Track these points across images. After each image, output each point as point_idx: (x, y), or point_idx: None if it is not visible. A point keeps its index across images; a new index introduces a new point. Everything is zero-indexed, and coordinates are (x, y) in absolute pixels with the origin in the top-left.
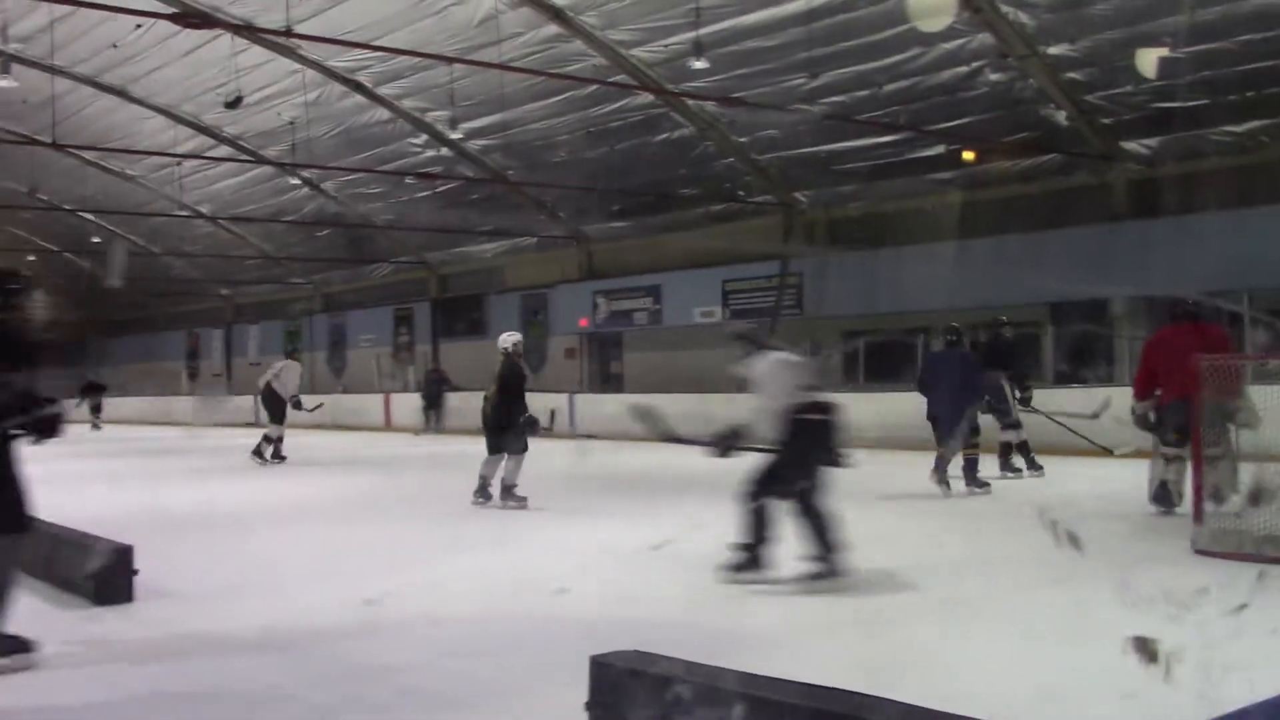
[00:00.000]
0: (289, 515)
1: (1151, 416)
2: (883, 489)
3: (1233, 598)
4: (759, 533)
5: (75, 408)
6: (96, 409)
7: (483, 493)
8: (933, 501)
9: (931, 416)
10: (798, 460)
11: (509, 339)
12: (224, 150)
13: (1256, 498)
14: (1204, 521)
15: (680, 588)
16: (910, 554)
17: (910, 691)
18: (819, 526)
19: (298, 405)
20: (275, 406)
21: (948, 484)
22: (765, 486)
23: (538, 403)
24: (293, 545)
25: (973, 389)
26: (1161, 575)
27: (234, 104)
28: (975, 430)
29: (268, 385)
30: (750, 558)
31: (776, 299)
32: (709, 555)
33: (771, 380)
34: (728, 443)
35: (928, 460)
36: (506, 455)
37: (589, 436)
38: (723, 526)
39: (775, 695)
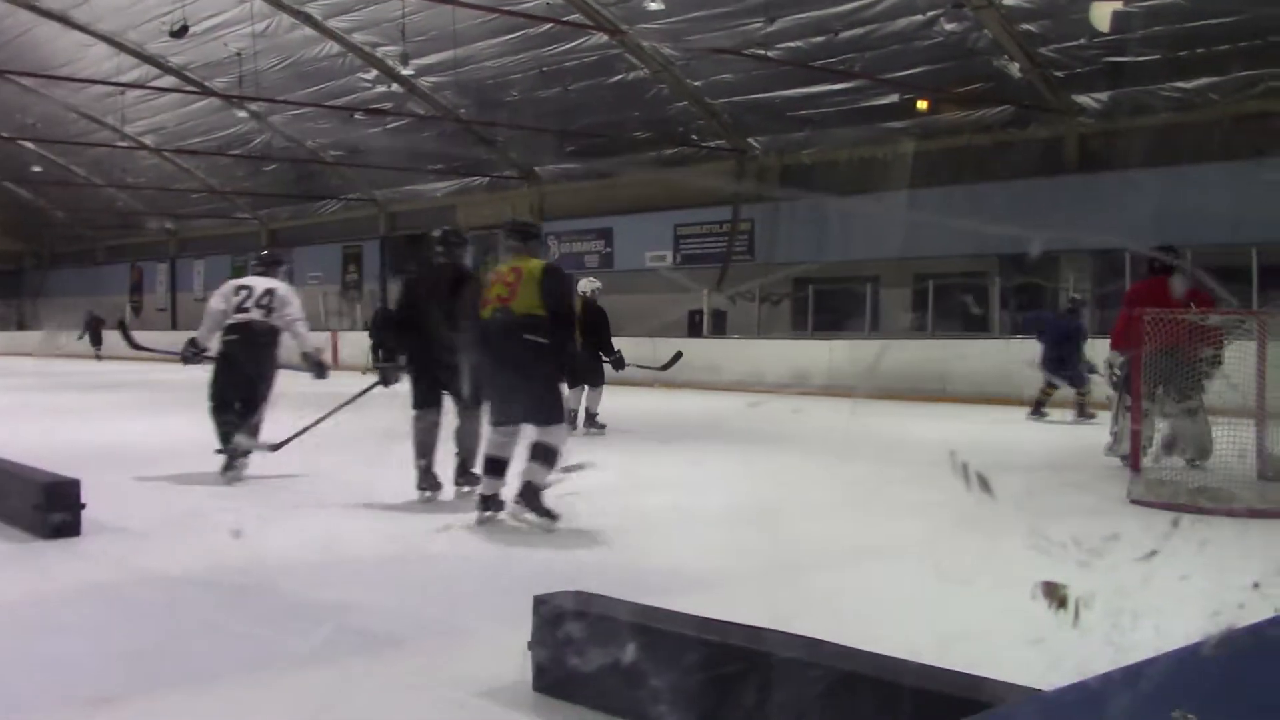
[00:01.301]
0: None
1: (1117, 371)
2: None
3: (1144, 545)
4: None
5: (78, 339)
6: (97, 340)
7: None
8: (855, 448)
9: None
10: None
11: (589, 284)
12: (169, 80)
13: (1170, 446)
14: (1141, 472)
15: (620, 530)
16: (825, 498)
17: (818, 633)
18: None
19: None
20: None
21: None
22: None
23: None
24: (243, 482)
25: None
26: (1073, 522)
27: (179, 33)
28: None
29: None
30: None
31: (728, 244)
32: (648, 499)
33: None
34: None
35: (869, 407)
36: (587, 388)
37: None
38: (663, 468)
39: (709, 635)
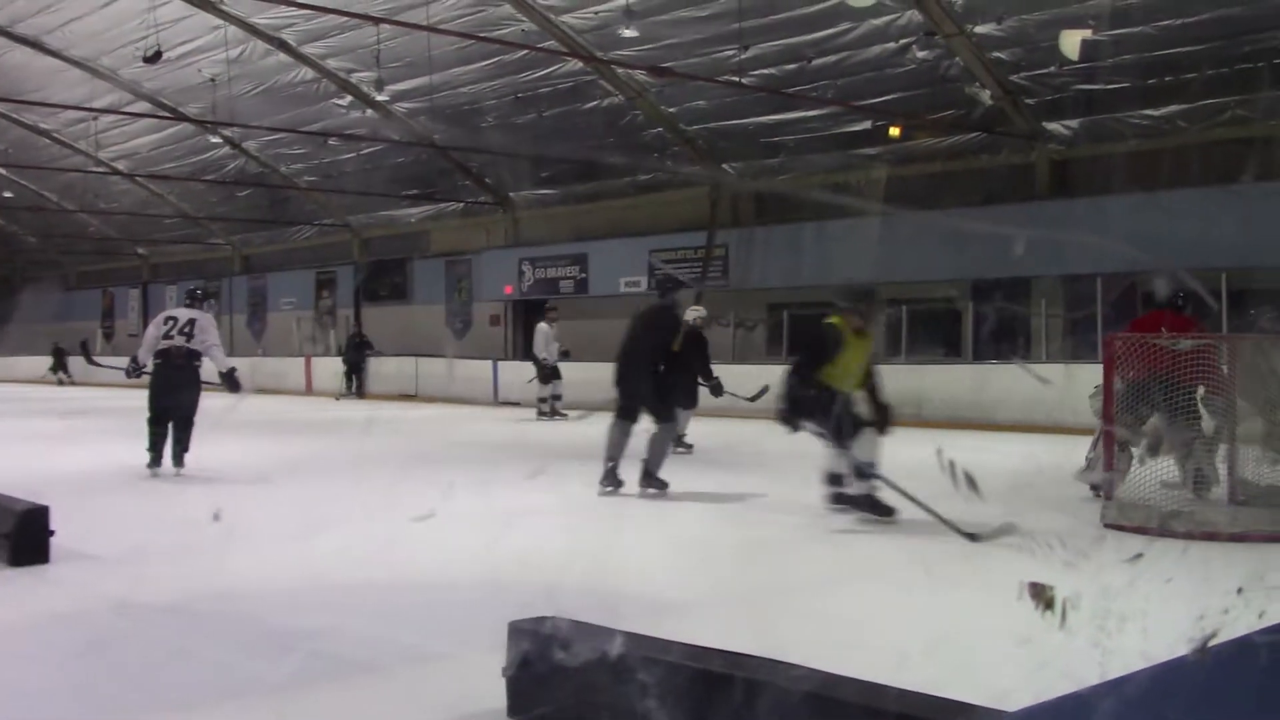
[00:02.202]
0: (208, 478)
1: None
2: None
3: (1130, 546)
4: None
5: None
6: (62, 367)
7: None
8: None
9: None
10: None
11: (694, 312)
12: (142, 106)
13: (1155, 448)
14: (1113, 496)
15: (600, 554)
16: (804, 516)
17: (804, 639)
18: None
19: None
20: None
21: None
22: None
23: (465, 370)
24: (211, 509)
25: None
26: (1059, 523)
27: (153, 58)
28: None
29: None
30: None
31: (702, 270)
32: (627, 522)
33: None
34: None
35: None
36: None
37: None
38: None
39: (687, 660)
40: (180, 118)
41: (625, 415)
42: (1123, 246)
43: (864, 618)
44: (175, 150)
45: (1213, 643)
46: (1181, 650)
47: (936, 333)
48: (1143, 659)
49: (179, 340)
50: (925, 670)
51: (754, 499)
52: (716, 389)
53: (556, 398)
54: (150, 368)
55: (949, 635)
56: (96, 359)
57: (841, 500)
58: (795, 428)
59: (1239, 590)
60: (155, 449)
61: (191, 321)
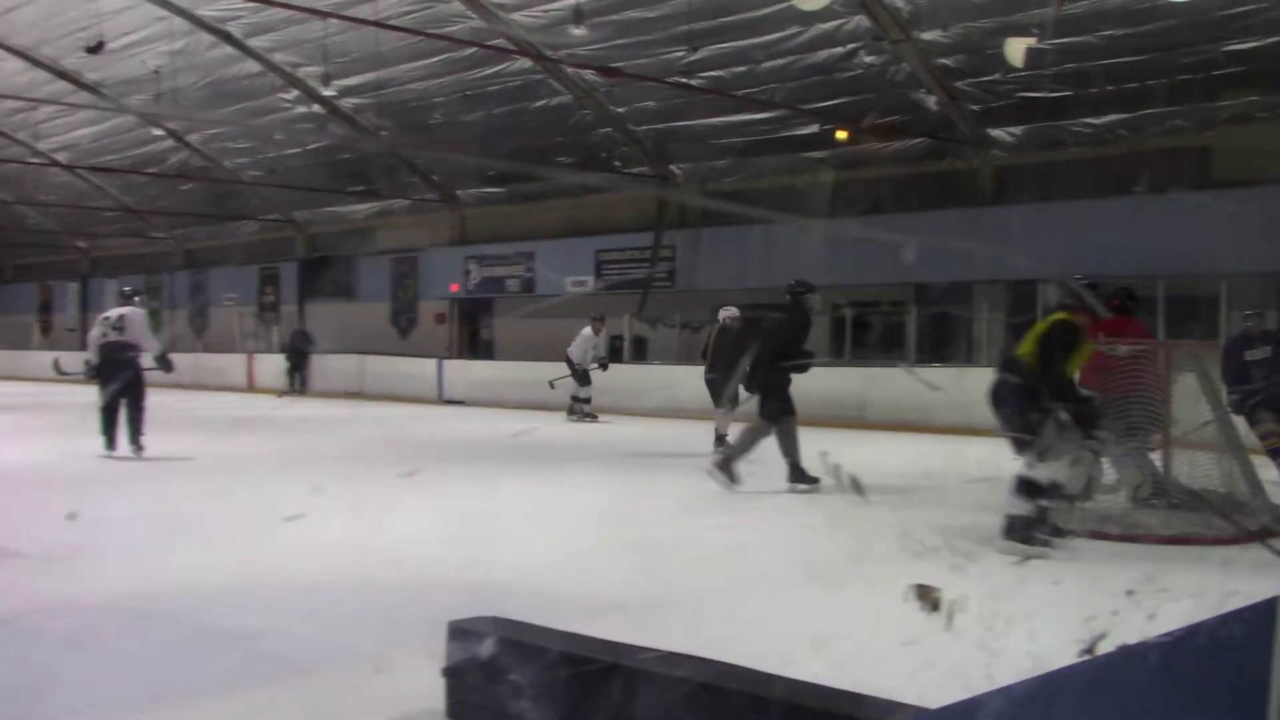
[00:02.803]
0: (144, 475)
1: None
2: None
3: (1018, 549)
4: None
5: None
6: None
7: (720, 441)
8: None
9: None
10: None
11: (726, 313)
12: (84, 97)
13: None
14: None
15: (540, 554)
16: (721, 518)
17: (686, 637)
18: None
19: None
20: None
21: None
22: None
23: (410, 368)
24: (146, 506)
25: None
26: (946, 526)
27: (96, 49)
28: None
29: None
30: None
31: (649, 271)
32: (566, 522)
33: None
34: None
35: None
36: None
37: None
38: (583, 493)
39: (622, 659)
40: (123, 109)
41: (763, 415)
42: (1017, 255)
43: (748, 617)
44: (117, 142)
45: (1101, 644)
46: (1069, 651)
47: (881, 335)
48: (1030, 660)
49: (113, 335)
50: (810, 668)
51: (656, 497)
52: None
53: (585, 400)
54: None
55: (834, 634)
56: (65, 370)
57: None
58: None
59: (1128, 592)
60: (105, 433)
61: (122, 317)
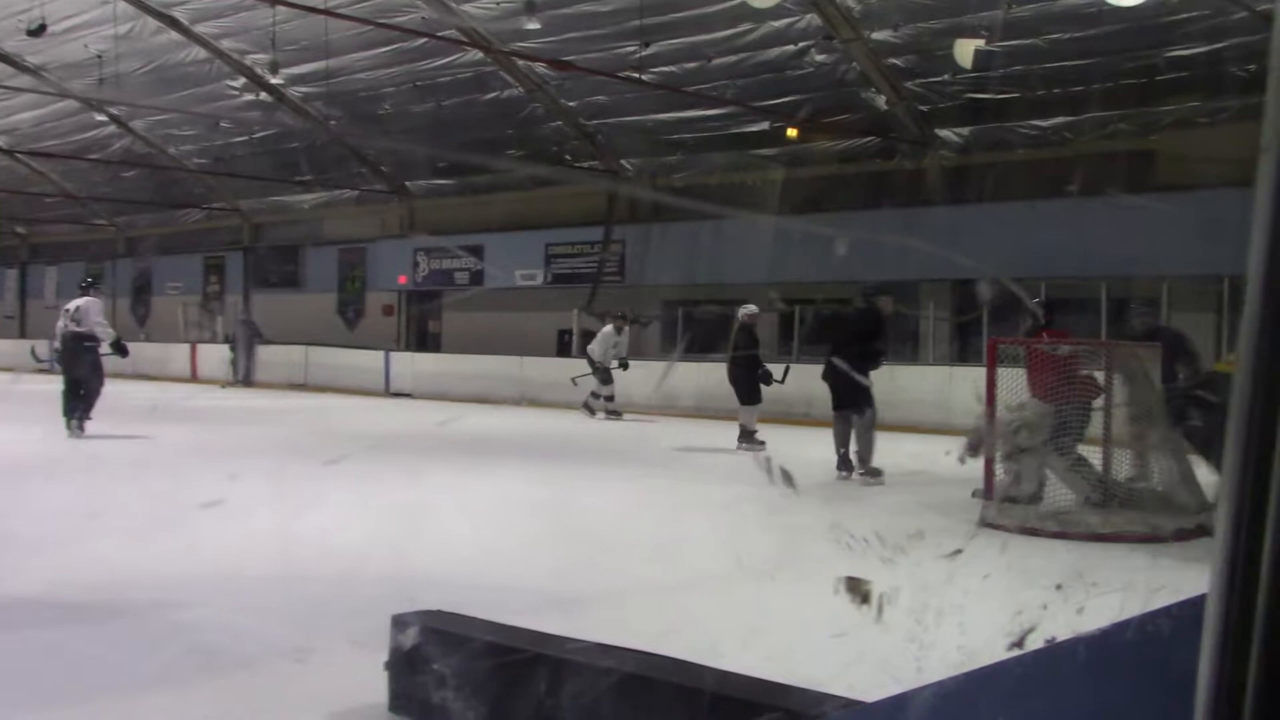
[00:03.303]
0: (81, 466)
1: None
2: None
3: (949, 543)
4: None
5: None
6: None
7: (744, 438)
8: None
9: None
10: None
11: (745, 310)
12: (25, 80)
13: (975, 449)
14: (994, 496)
15: (472, 547)
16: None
17: (613, 627)
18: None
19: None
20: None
21: None
22: None
23: (356, 360)
24: (90, 497)
25: None
26: (877, 520)
27: (37, 32)
28: None
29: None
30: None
31: (598, 266)
32: (501, 514)
33: None
34: None
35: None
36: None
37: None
38: (518, 486)
39: (568, 653)
40: (65, 94)
41: (839, 407)
42: (957, 256)
43: (679, 609)
44: (58, 127)
45: (1030, 638)
46: (998, 645)
47: (825, 334)
48: (960, 653)
49: (71, 326)
50: (741, 660)
51: (592, 491)
52: (766, 377)
53: (609, 398)
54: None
55: (763, 627)
56: (40, 358)
57: None
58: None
59: (1058, 586)
60: (67, 414)
61: (79, 308)
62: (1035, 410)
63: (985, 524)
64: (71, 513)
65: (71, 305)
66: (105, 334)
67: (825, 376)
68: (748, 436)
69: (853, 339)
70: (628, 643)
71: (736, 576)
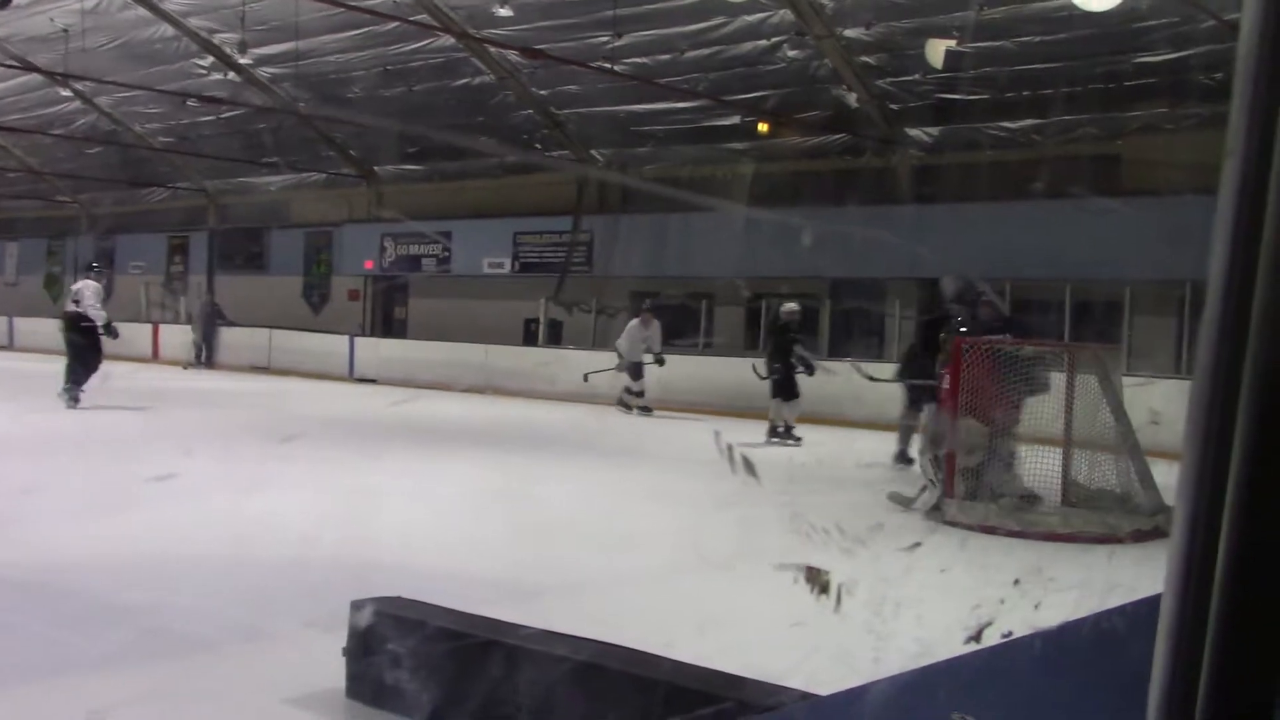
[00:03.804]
0: (39, 447)
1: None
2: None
3: (907, 536)
4: None
5: None
6: None
7: (772, 433)
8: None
9: None
10: None
11: (785, 308)
12: None
13: (936, 442)
14: (954, 494)
15: (440, 535)
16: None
17: (566, 616)
18: None
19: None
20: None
21: None
22: None
23: (321, 344)
24: (47, 477)
25: None
26: (838, 511)
27: (2, 4)
28: None
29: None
30: None
31: (567, 255)
32: (475, 504)
33: None
34: None
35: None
36: (781, 401)
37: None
38: (476, 473)
39: (524, 642)
40: (29, 68)
41: (911, 405)
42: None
43: (634, 598)
44: (22, 101)
45: (987, 632)
46: (956, 638)
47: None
48: (917, 645)
49: (72, 306)
50: (696, 650)
51: (550, 480)
52: (808, 368)
53: (639, 393)
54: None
55: (719, 616)
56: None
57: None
58: None
59: (1016, 582)
60: (66, 385)
61: (79, 289)
62: (972, 431)
63: (946, 521)
64: (22, 492)
65: (76, 285)
66: (97, 315)
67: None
68: (786, 432)
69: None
70: (581, 632)
71: (694, 566)
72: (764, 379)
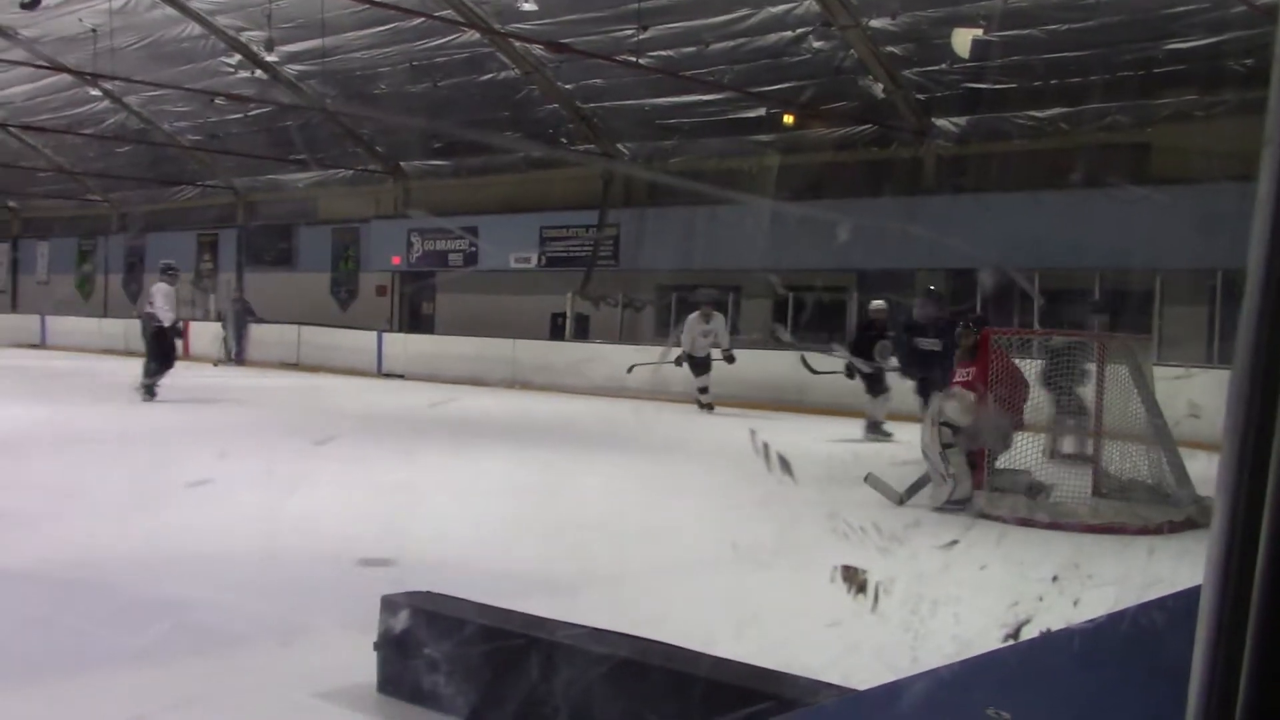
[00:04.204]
0: (75, 443)
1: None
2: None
3: (945, 534)
4: None
5: None
6: None
7: (872, 429)
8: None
9: None
10: None
11: (874, 306)
12: (18, 53)
13: (972, 437)
14: (985, 486)
15: (475, 531)
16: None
17: (606, 616)
18: None
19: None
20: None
21: None
22: None
23: (349, 340)
24: (80, 474)
25: None
26: (874, 509)
27: (31, 5)
28: None
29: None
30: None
31: (593, 250)
32: (508, 498)
33: None
34: None
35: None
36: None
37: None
38: (512, 469)
39: (560, 638)
40: (58, 68)
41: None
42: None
43: (673, 596)
44: (52, 101)
45: (1025, 629)
46: (993, 635)
47: (822, 321)
48: (954, 643)
49: (146, 306)
50: (735, 648)
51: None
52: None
53: (702, 389)
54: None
55: (758, 615)
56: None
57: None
58: None
59: (1054, 578)
60: (145, 380)
61: (152, 291)
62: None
63: (977, 514)
64: (59, 490)
65: (151, 288)
66: (164, 316)
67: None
68: (874, 428)
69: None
70: (616, 628)
71: (730, 563)
72: (851, 378)
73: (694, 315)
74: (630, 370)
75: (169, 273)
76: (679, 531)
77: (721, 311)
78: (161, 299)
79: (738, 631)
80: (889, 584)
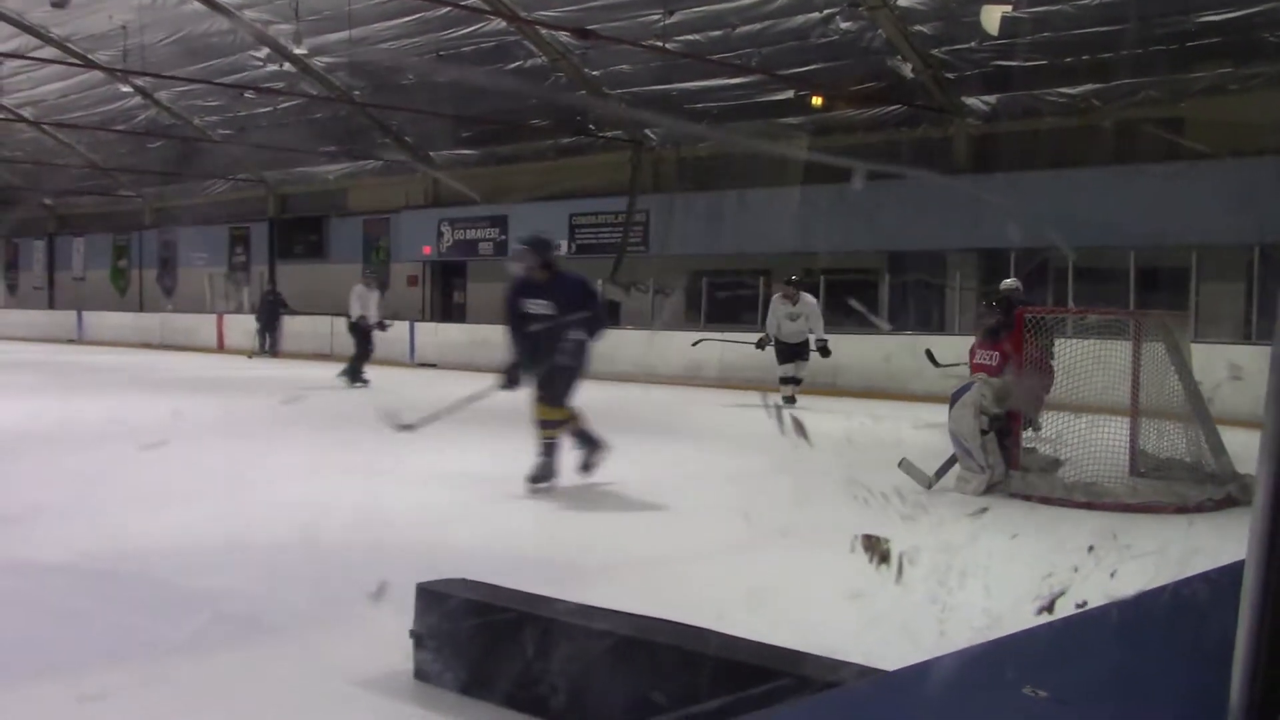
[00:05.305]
0: (114, 435)
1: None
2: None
3: (973, 502)
4: None
5: None
6: None
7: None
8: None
9: None
10: None
11: (1005, 285)
12: (50, 52)
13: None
14: (1019, 467)
15: (510, 518)
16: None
17: (613, 590)
18: None
19: (380, 326)
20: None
21: None
22: None
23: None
24: (116, 466)
25: None
26: (896, 474)
27: (61, 3)
28: None
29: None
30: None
31: (623, 235)
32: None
33: None
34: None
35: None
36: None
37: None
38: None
39: (597, 624)
40: (90, 65)
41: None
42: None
43: (683, 568)
44: (84, 98)
45: (1060, 602)
46: (1026, 609)
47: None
48: (985, 617)
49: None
50: (748, 623)
51: (644, 458)
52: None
53: (785, 380)
54: None
55: (772, 587)
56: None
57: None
58: None
59: (1090, 549)
60: (349, 374)
61: (352, 292)
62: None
63: (1011, 494)
64: (98, 482)
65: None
66: (353, 313)
67: None
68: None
69: None
70: (625, 604)
71: (744, 532)
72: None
73: (776, 296)
74: (695, 344)
75: (370, 276)
76: (690, 498)
77: (813, 294)
78: (355, 298)
79: (748, 607)
80: (914, 554)
